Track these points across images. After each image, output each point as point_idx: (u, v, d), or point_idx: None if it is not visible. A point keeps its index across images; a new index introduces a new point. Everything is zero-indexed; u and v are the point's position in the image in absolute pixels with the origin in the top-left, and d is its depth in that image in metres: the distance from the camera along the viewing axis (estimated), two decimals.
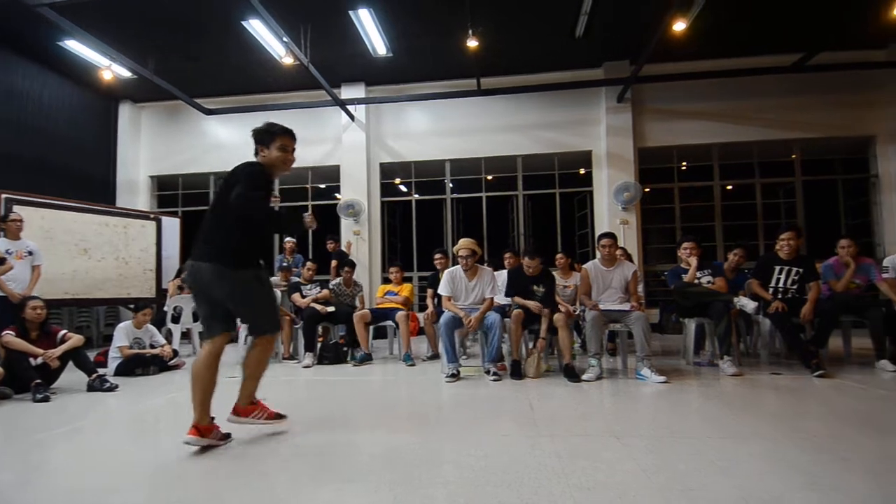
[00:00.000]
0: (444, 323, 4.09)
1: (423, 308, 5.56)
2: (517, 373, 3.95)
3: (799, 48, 6.58)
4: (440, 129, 8.18)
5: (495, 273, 4.66)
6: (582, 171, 8.07)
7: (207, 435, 2.33)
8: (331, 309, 5.17)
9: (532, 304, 4.12)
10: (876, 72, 7.00)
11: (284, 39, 5.86)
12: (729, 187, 7.88)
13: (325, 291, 5.41)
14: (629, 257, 5.20)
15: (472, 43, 5.94)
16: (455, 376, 3.94)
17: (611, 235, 4.33)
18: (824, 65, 6.67)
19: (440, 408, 3.24)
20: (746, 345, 4.93)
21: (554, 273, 4.61)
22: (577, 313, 4.48)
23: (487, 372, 4.00)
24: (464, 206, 8.64)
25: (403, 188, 8.74)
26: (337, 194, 8.47)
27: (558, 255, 5.38)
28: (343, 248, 7.32)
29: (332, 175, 8.42)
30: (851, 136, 7.42)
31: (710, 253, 7.08)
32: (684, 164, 7.96)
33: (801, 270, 4.22)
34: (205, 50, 7.01)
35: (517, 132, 7.97)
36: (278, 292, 5.81)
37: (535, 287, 4.21)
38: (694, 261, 4.48)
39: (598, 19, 6.16)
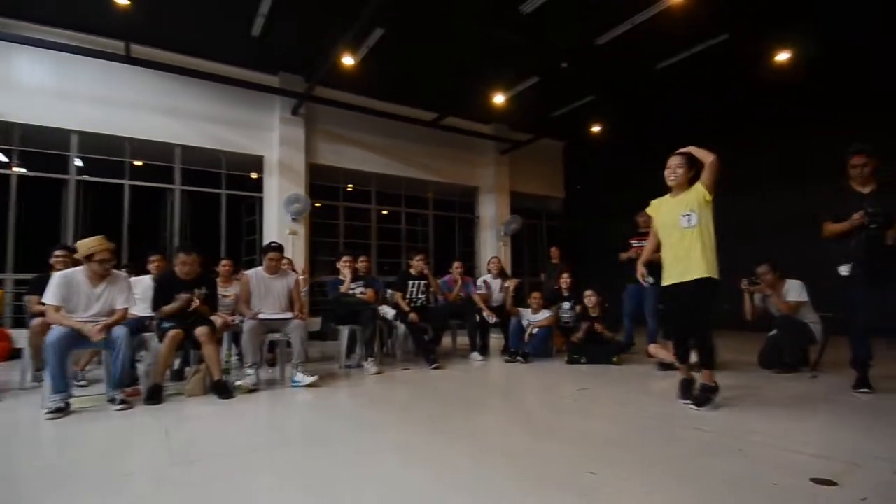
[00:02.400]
0: (54, 341, 3.12)
1: (20, 322, 4.10)
2: (156, 397, 3.38)
3: (438, 108, 8.31)
4: (68, 89, 6.31)
5: (137, 279, 3.91)
6: (253, 175, 7.76)
7: None
8: None
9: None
10: (481, 139, 9.54)
11: None
12: (384, 212, 9.12)
13: None
14: (293, 267, 5.31)
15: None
16: (62, 410, 3.04)
17: (279, 246, 4.37)
18: (451, 126, 8.68)
19: (28, 457, 2.42)
20: (388, 346, 5.76)
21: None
22: (235, 323, 4.25)
23: (112, 400, 3.26)
24: (97, 193, 6.87)
25: (2, 157, 6.30)
26: None
27: (223, 262, 5.00)
28: None
29: None
30: (465, 185, 9.85)
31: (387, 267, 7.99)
32: (350, 185, 8.75)
33: (427, 283, 5.31)
34: None
35: (177, 118, 6.96)
36: None
37: (195, 291, 3.74)
38: (349, 273, 4.96)
39: (279, 27, 6.13)
